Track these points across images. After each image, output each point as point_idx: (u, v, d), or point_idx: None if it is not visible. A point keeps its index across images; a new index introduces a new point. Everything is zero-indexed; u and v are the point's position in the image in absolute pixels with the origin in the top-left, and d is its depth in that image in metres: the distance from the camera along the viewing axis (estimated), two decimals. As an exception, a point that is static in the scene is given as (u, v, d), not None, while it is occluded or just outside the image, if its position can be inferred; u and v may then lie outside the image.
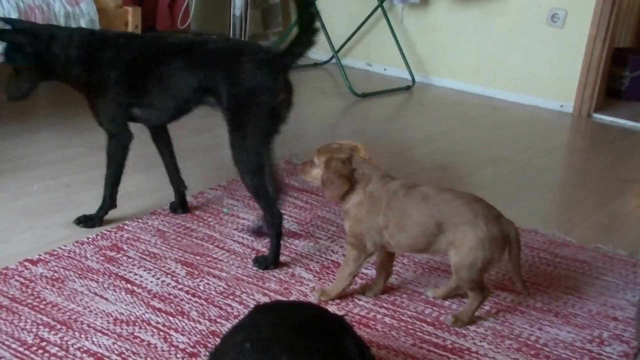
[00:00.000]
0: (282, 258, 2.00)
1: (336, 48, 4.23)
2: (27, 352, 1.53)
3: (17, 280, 1.80)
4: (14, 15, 2.57)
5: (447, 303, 1.87)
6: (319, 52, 4.60)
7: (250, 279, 1.91)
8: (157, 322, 1.68)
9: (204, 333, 1.66)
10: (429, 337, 1.72)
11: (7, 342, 1.55)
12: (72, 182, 2.45)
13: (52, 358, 1.52)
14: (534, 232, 2.35)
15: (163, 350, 1.58)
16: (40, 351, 1.54)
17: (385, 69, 4.52)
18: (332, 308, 1.78)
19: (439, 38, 4.33)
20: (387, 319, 1.78)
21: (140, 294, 1.79)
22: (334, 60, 4.28)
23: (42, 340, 1.58)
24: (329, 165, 1.75)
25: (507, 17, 4.11)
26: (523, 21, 4.06)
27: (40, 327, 1.62)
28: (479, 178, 2.88)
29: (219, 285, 1.86)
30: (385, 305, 1.84)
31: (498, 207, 2.55)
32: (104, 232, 2.09)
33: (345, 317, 1.49)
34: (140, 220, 2.19)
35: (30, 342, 1.57)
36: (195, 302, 1.77)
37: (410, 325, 1.76)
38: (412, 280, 1.98)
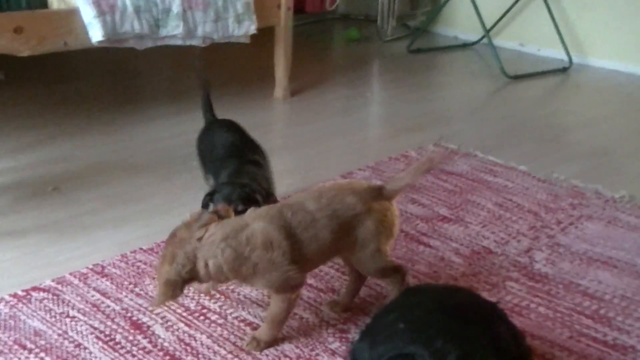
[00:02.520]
0: (431, 242, 1.98)
1: (487, 27, 4.08)
2: (190, 317, 1.64)
3: (180, 250, 1.92)
4: (177, 4, 2.72)
5: (607, 297, 1.77)
6: (468, 32, 4.47)
7: (401, 260, 1.90)
8: (309, 297, 1.73)
9: (353, 311, 1.68)
10: (587, 331, 1.63)
11: (172, 307, 1.67)
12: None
13: (212, 324, 1.62)
14: None
15: (314, 325, 1.63)
16: (202, 317, 1.64)
17: (539, 50, 4.30)
18: (483, 295, 1.73)
19: (600, 15, 4.05)
20: (541, 309, 1.71)
21: (292, 269, 1.85)
22: (483, 41, 4.14)
23: (204, 307, 1.68)
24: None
25: (680, -9, 3.76)
26: (698, -5, 3.70)
27: (202, 295, 1.72)
28: (642, 166, 2.68)
29: (368, 265, 1.87)
30: (539, 294, 1.77)
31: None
32: (258, 208, 2.17)
33: (498, 304, 1.45)
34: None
35: (193, 308, 1.68)
36: (346, 279, 1.79)
37: (567, 317, 1.68)
38: (568, 271, 1.88)
